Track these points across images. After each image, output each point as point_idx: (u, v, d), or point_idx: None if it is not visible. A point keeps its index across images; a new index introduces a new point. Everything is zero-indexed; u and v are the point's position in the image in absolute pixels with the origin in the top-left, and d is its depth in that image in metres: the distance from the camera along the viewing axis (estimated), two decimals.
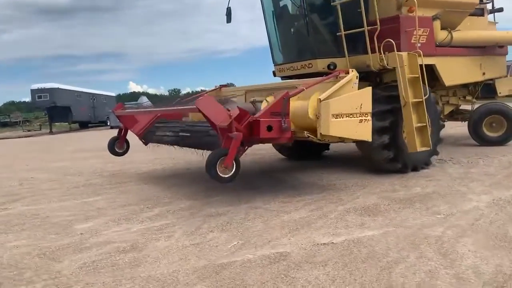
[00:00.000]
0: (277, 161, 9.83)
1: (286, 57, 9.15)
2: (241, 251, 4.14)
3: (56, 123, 38.26)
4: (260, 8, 9.32)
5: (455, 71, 9.28)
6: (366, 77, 7.77)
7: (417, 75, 7.17)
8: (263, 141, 5.86)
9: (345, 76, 6.12)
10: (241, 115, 5.34)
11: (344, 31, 7.53)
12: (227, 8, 9.72)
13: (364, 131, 5.94)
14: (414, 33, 7.89)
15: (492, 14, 11.26)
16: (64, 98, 35.48)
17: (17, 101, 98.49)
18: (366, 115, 5.93)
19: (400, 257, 3.77)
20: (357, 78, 6.18)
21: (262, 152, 10.56)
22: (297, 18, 8.81)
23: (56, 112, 34.90)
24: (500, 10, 11.46)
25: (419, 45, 7.89)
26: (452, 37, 9.13)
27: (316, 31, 8.23)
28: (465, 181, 6.60)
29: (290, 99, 5.67)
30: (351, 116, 5.81)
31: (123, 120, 8.36)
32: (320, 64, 7.91)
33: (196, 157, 7.89)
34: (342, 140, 6.07)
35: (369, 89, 6.09)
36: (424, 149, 7.08)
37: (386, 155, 7.21)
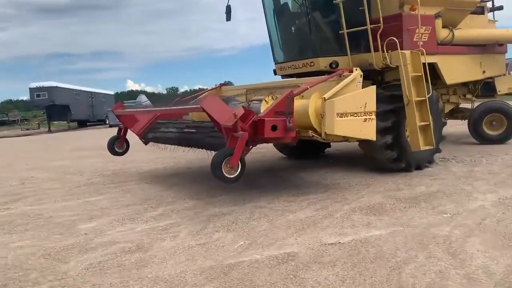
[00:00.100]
0: (278, 160, 9.81)
1: (287, 56, 9.12)
2: (248, 251, 4.12)
3: (54, 122, 38.14)
4: (260, 6, 9.30)
5: (456, 69, 9.27)
6: (367, 76, 7.73)
7: (420, 74, 7.15)
8: (268, 141, 5.83)
9: (349, 75, 6.10)
10: (245, 114, 5.31)
11: (346, 29, 7.51)
12: (227, 6, 9.69)
13: (368, 130, 5.91)
14: (417, 31, 7.88)
15: (492, 12, 11.27)
16: (63, 96, 35.42)
17: (15, 99, 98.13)
18: (371, 114, 5.90)
19: (409, 257, 3.75)
20: (361, 77, 6.15)
21: (263, 150, 10.53)
22: (298, 16, 8.77)
23: (55, 110, 34.85)
24: (500, 8, 11.46)
25: (421, 43, 7.88)
26: (453, 35, 9.12)
27: (318, 29, 8.20)
28: (469, 180, 6.59)
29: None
30: (355, 115, 5.77)
31: (123, 119, 8.32)
32: (322, 62, 7.88)
33: (197, 156, 7.91)
34: (346, 139, 6.04)
35: (373, 88, 6.06)
36: (427, 148, 7.07)
37: (389, 155, 7.19)
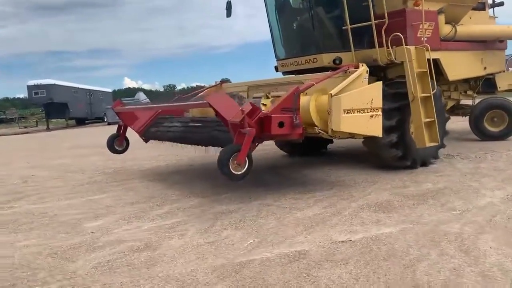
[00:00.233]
0: (280, 157, 9.76)
1: (290, 52, 9.05)
2: (258, 250, 4.08)
3: (52, 120, 37.99)
4: (260, 2, 9.20)
5: (458, 65, 9.24)
6: (371, 72, 7.67)
7: (425, 70, 7.11)
8: (274, 137, 5.78)
9: (355, 71, 6.05)
10: (251, 111, 5.25)
11: (350, 25, 7.46)
12: (227, 2, 9.61)
13: (375, 126, 5.86)
14: (420, 27, 7.83)
15: (492, 8, 11.25)
16: (61, 94, 35.24)
17: (12, 97, 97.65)
18: (377, 110, 5.86)
19: (422, 255, 3.72)
20: (367, 73, 6.11)
21: (266, 148, 10.48)
22: (301, 12, 8.71)
23: (53, 108, 34.65)
24: (501, 4, 11.43)
25: (424, 39, 7.83)
26: (456, 31, 9.10)
27: (322, 25, 8.14)
28: (475, 177, 6.56)
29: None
30: (362, 111, 5.72)
31: (123, 117, 8.24)
32: (326, 58, 7.82)
33: (199, 154, 7.85)
34: (352, 136, 6.00)
35: (379, 84, 6.02)
36: (432, 144, 7.04)
37: (394, 154, 7.14)
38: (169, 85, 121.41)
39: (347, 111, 5.58)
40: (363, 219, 4.80)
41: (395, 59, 7.24)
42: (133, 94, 49.64)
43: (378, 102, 5.87)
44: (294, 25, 9.01)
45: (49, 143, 19.50)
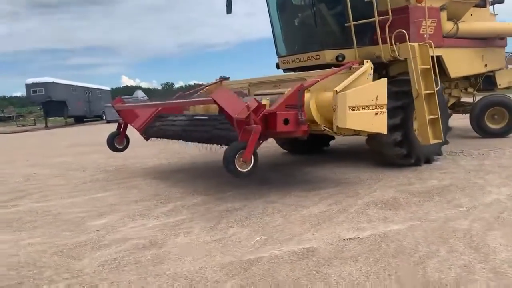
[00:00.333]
0: (282, 155, 9.73)
1: (291, 49, 9.00)
2: (265, 247, 4.05)
3: (51, 118, 37.86)
4: (258, 1, 9.16)
5: (460, 62, 9.22)
6: (374, 69, 7.66)
7: (429, 66, 7.07)
8: (279, 134, 5.75)
9: (360, 67, 6.03)
10: (256, 108, 5.21)
11: (353, 21, 7.42)
12: None
13: (380, 123, 5.83)
14: (423, 23, 7.81)
15: (492, 6, 11.23)
16: (60, 92, 35.12)
17: (9, 95, 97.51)
18: (382, 107, 5.83)
19: (431, 252, 3.70)
20: (372, 69, 6.08)
21: (268, 145, 10.44)
22: (303, 9, 8.66)
23: (52, 106, 34.50)
24: (501, 1, 11.41)
25: (427, 36, 7.81)
26: (458, 28, 9.07)
27: (324, 21, 8.10)
28: (480, 174, 6.54)
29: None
30: (367, 108, 5.69)
31: (123, 114, 8.18)
32: (328, 55, 7.78)
33: (201, 152, 7.81)
34: (357, 133, 5.96)
35: (384, 80, 5.98)
36: (436, 141, 7.01)
37: (398, 152, 7.12)
38: (167, 83, 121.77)
39: (353, 108, 5.55)
40: (370, 216, 4.78)
41: (398, 55, 7.20)
42: (131, 92, 49.55)
43: (383, 98, 5.84)
44: (296, 22, 8.96)
45: (48, 141, 19.42)
